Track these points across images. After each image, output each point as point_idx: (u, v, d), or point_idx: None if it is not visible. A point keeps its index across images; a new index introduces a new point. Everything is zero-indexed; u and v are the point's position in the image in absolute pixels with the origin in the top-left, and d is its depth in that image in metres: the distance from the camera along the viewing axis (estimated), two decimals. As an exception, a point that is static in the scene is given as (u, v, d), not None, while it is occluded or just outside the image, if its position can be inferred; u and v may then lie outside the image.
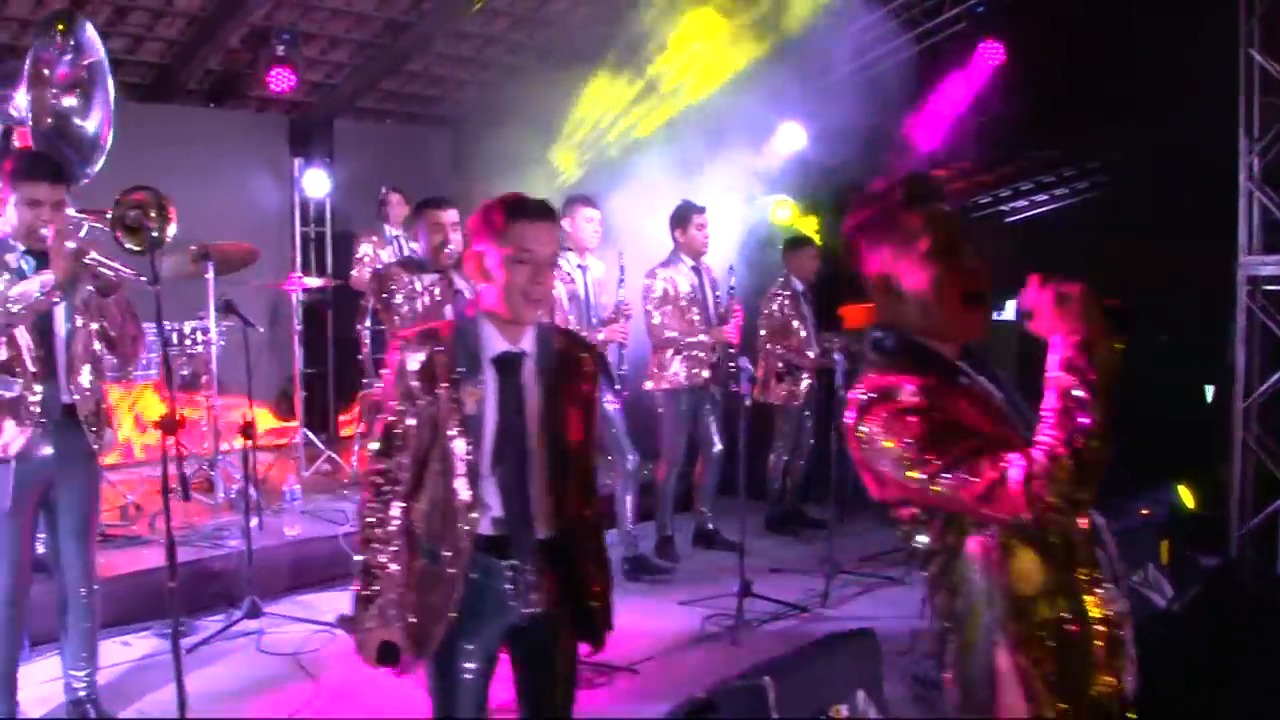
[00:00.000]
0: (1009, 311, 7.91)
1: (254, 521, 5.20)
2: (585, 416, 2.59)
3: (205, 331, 6.25)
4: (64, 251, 3.42)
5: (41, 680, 4.18)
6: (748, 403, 5.26)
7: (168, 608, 3.59)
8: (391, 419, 2.49)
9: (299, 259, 8.32)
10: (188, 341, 6.27)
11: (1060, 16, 7.35)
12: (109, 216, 3.57)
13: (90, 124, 4.64)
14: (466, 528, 2.43)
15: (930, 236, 1.91)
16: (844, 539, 5.98)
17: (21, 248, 3.58)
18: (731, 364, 5.57)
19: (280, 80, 7.32)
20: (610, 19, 7.88)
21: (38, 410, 3.54)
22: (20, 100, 4.55)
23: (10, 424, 3.51)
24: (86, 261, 3.47)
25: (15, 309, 3.42)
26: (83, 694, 3.84)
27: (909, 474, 1.77)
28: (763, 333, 6.43)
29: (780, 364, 6.31)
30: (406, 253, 7.53)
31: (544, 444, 2.49)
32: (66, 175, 3.65)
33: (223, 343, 6.42)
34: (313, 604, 5.35)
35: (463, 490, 2.43)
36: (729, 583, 5.19)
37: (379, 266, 7.44)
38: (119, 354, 3.83)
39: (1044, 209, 11.65)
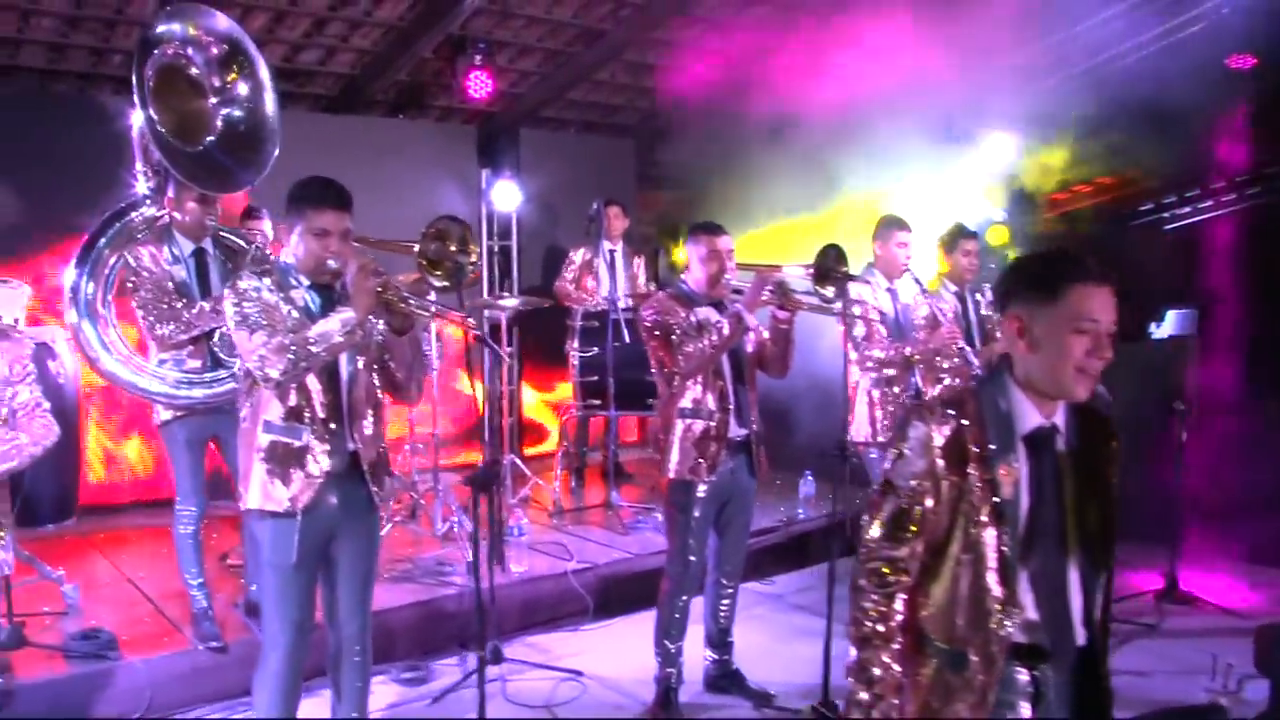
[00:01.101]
0: (1168, 324, 7.38)
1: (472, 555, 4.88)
2: (1109, 505, 2.23)
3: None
4: (366, 287, 3.14)
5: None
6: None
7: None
8: (905, 501, 2.18)
9: (485, 274, 8.09)
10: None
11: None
12: (416, 250, 3.29)
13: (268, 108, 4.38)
14: (1000, 631, 2.10)
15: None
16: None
17: (306, 282, 3.32)
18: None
19: (479, 86, 7.13)
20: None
21: (325, 460, 3.28)
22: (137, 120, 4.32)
23: (298, 475, 3.25)
24: (392, 297, 3.18)
25: (316, 350, 3.14)
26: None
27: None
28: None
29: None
30: (620, 269, 7.30)
31: (1075, 535, 2.16)
32: (351, 202, 3.38)
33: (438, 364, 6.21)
34: (547, 647, 5.08)
35: (995, 586, 2.12)
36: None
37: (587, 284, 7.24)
38: (402, 396, 3.55)
39: (1207, 215, 10.93)
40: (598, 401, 6.62)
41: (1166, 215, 11.14)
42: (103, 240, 4.31)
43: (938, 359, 4.97)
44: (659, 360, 4.23)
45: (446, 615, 4.99)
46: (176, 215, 4.31)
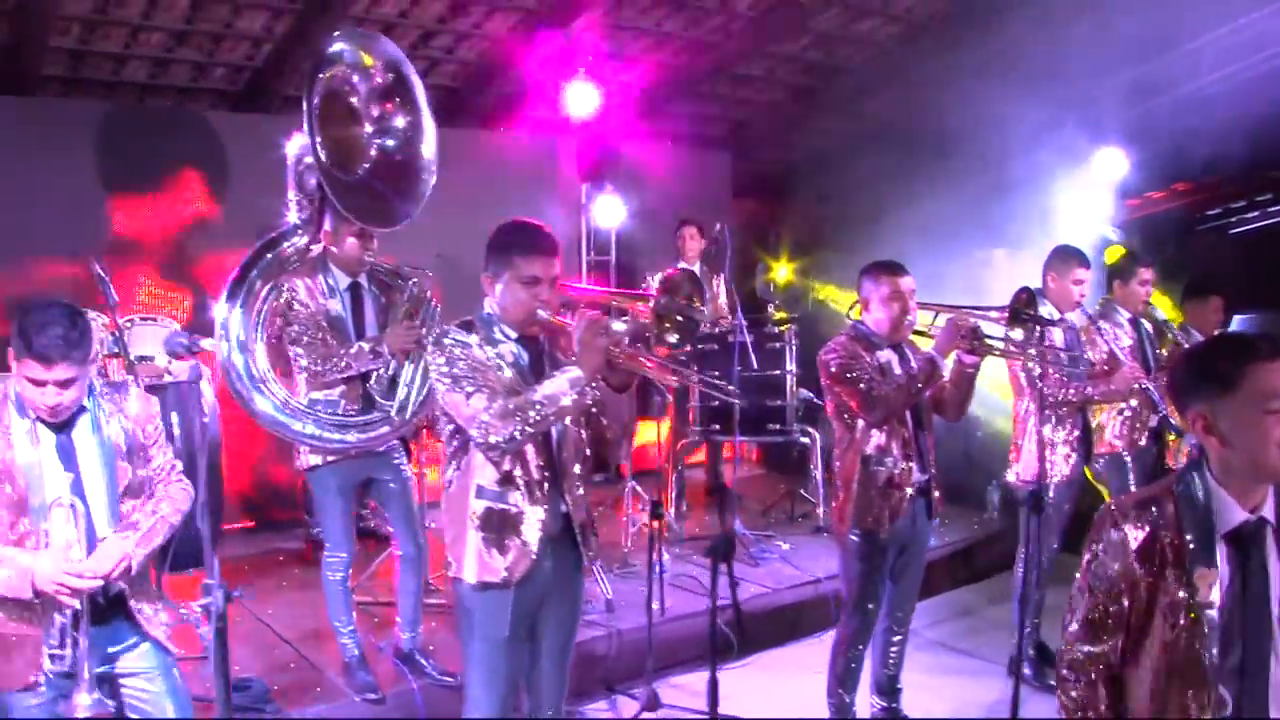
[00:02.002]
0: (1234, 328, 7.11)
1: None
2: None
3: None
4: (596, 345, 2.91)
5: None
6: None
7: None
8: (1102, 600, 2.18)
9: (583, 291, 7.88)
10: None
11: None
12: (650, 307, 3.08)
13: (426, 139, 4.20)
14: None
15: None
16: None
17: (514, 335, 3.11)
18: None
19: (583, 100, 6.92)
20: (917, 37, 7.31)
21: (541, 526, 3.07)
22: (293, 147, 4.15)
23: (515, 543, 3.04)
24: (620, 354, 2.96)
25: (543, 414, 2.89)
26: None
27: None
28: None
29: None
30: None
31: None
32: (560, 248, 3.17)
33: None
34: (693, 688, 4.87)
35: (1196, 682, 2.10)
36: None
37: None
38: (610, 458, 3.34)
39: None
40: (717, 426, 6.41)
41: (1233, 220, 10.90)
42: (255, 271, 4.12)
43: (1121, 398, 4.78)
44: (841, 405, 4.02)
45: (595, 658, 4.79)
46: (333, 249, 4.14)
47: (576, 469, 3.19)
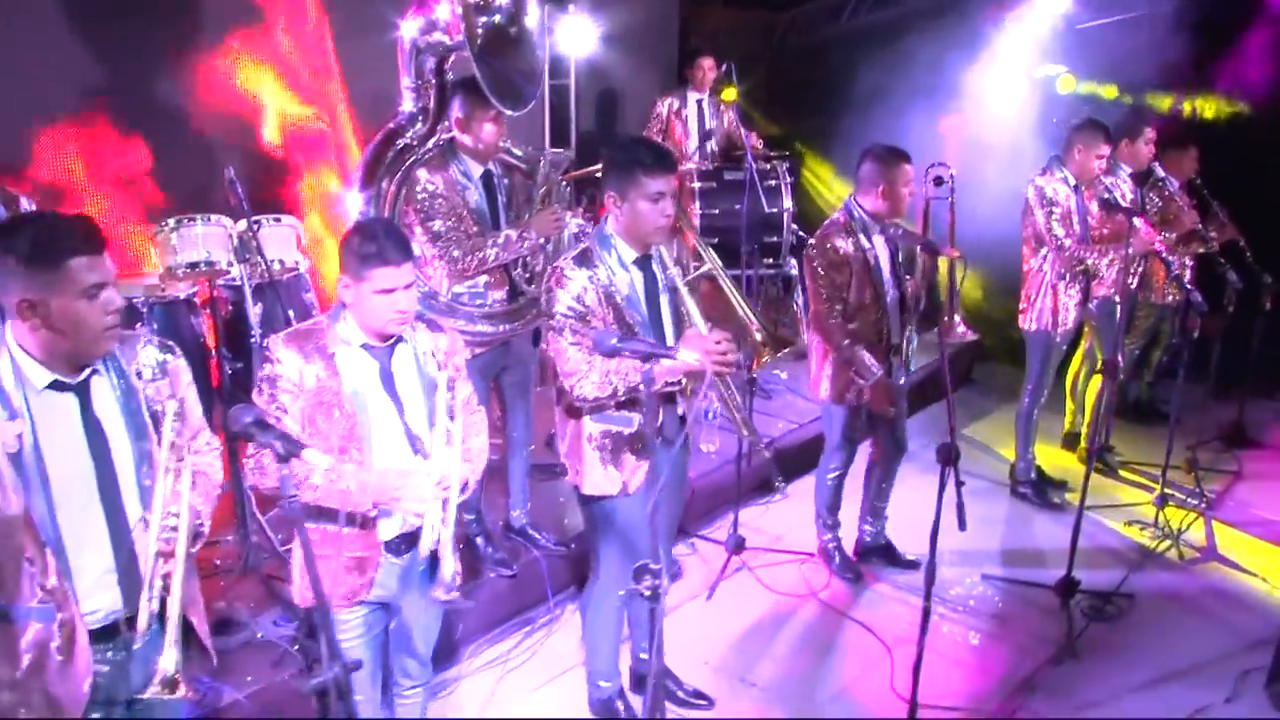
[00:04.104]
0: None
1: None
2: None
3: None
4: (711, 371, 3.04)
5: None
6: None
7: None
8: None
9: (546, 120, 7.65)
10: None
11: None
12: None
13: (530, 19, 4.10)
14: None
15: None
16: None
17: (631, 256, 3.34)
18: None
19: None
20: None
21: (657, 434, 3.42)
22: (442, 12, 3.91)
23: (629, 459, 3.44)
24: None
25: (636, 389, 3.24)
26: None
27: None
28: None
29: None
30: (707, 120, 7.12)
31: None
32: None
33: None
34: (758, 527, 5.39)
35: None
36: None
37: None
38: None
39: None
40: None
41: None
42: (383, 165, 3.97)
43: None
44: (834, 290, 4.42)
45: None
46: (465, 137, 4.04)
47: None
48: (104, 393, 2.38)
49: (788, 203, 6.73)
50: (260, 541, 4.35)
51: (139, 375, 2.45)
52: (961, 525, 3.34)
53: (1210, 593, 4.88)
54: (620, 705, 3.92)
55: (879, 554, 5.10)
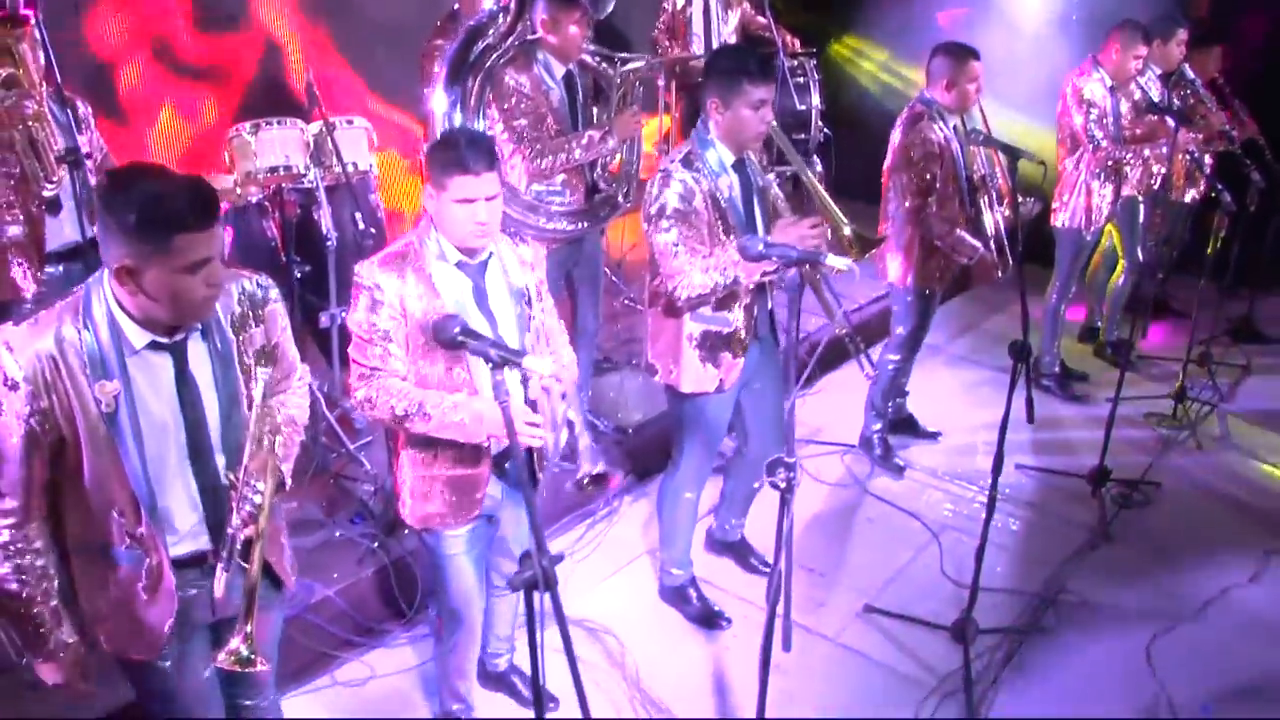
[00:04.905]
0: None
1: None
2: None
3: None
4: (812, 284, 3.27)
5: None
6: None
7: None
8: None
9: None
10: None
11: None
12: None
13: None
14: None
15: None
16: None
17: (730, 160, 3.42)
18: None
19: None
20: None
21: (750, 337, 3.62)
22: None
23: (726, 357, 3.58)
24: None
25: (732, 287, 3.35)
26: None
27: None
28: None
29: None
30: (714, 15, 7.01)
31: None
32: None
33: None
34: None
35: None
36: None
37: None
38: None
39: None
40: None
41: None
42: (465, 64, 3.98)
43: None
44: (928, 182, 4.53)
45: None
46: (551, 38, 4.05)
47: None
48: (199, 352, 2.31)
49: (816, 100, 6.72)
50: (329, 442, 4.43)
51: (233, 324, 2.37)
52: (1030, 419, 3.63)
53: (1230, 479, 5.19)
54: (693, 592, 4.12)
55: (904, 426, 5.41)
